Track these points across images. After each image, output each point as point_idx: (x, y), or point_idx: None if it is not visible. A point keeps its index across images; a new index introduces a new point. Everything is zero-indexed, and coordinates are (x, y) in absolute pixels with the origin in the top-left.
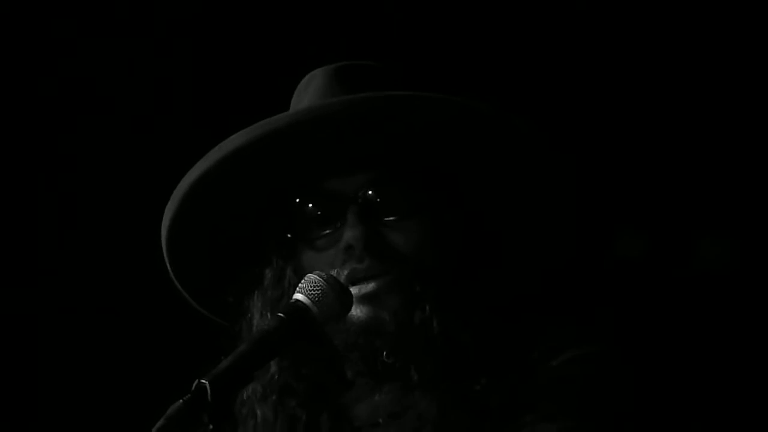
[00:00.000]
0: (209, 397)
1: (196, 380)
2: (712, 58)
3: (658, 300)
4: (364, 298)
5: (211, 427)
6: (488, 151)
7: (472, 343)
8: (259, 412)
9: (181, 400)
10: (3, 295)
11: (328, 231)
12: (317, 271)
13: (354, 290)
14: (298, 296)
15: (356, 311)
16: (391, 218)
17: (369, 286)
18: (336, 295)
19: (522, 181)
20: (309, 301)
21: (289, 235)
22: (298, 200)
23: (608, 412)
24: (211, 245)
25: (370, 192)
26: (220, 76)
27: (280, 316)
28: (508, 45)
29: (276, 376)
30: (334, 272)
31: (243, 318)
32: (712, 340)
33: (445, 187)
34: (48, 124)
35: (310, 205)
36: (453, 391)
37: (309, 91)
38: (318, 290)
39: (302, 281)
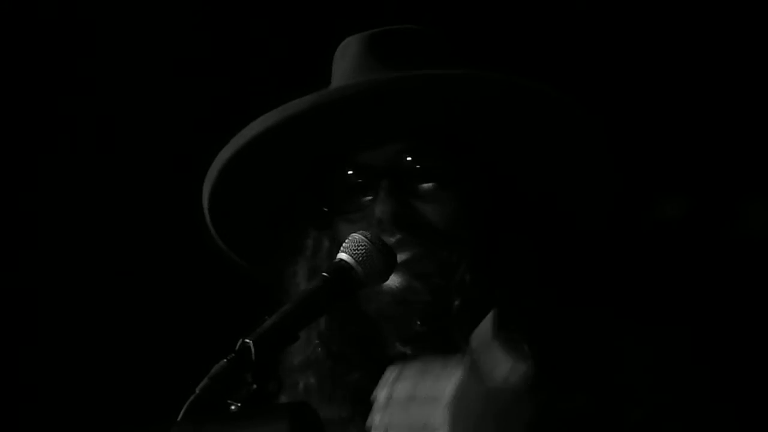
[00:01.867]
0: (253, 357)
1: (240, 339)
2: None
3: (698, 264)
4: (398, 267)
5: (254, 386)
6: (524, 122)
7: (509, 310)
8: (303, 380)
9: (224, 360)
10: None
11: (361, 203)
12: (361, 231)
13: None
14: (342, 255)
15: (390, 280)
16: (422, 189)
17: (402, 256)
18: (380, 254)
19: (561, 151)
20: (353, 260)
21: (324, 208)
22: (332, 173)
23: None
24: (255, 209)
25: (401, 164)
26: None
27: (324, 275)
28: (546, 6)
29: (319, 344)
30: None
31: (290, 284)
32: (754, 305)
33: (476, 157)
34: (48, 91)
35: (344, 177)
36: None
37: (345, 61)
38: (362, 249)
39: (346, 241)
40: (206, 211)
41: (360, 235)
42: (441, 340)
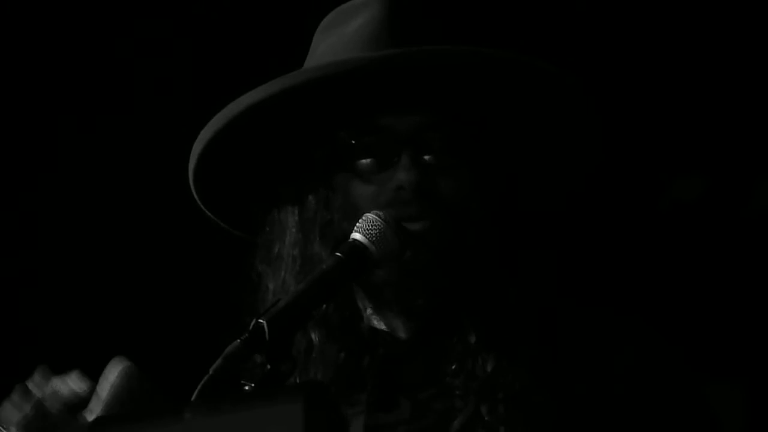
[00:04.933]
0: (267, 337)
1: (254, 320)
2: None
3: (714, 243)
4: (408, 237)
5: (268, 366)
6: (537, 102)
7: (516, 296)
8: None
9: (238, 340)
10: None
11: (379, 167)
12: (375, 211)
13: None
14: (356, 236)
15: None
16: (443, 164)
17: (414, 226)
18: (394, 234)
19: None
20: (367, 240)
21: (337, 166)
22: (350, 133)
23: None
24: (247, 167)
25: (425, 135)
26: None
27: (339, 255)
28: None
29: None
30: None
31: (280, 233)
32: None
33: (494, 137)
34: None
35: (363, 139)
36: (501, 347)
37: (363, 18)
38: (376, 229)
39: (359, 221)
40: (196, 158)
41: (374, 215)
42: (439, 320)
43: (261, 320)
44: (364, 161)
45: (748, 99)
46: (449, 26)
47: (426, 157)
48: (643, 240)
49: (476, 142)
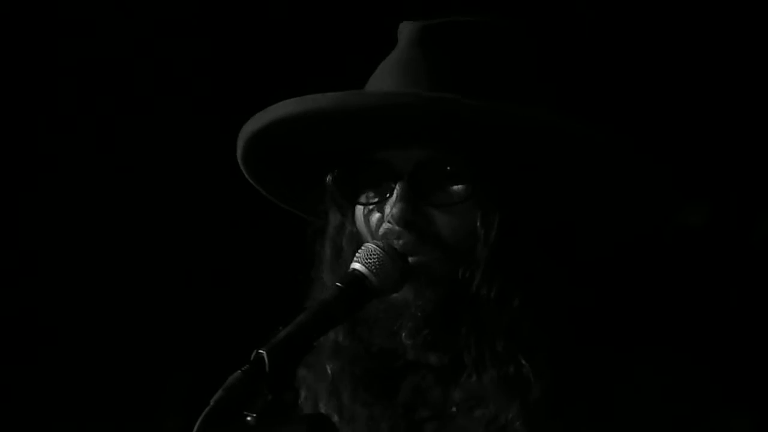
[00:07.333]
0: (267, 368)
1: (255, 351)
2: None
3: (719, 270)
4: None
5: (270, 397)
6: (553, 154)
7: (508, 340)
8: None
9: (239, 371)
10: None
11: (376, 200)
12: (374, 241)
13: None
14: (355, 265)
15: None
16: (440, 201)
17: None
18: (394, 264)
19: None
20: (366, 270)
21: (343, 194)
22: (352, 164)
23: None
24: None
25: (421, 171)
26: None
27: (339, 285)
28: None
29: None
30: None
31: (317, 268)
32: None
33: (497, 178)
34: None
35: (363, 171)
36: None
37: (396, 49)
38: (375, 259)
39: (359, 250)
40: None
41: (373, 245)
42: (422, 358)
43: (261, 351)
44: (364, 194)
45: (756, 127)
46: (467, 62)
47: (420, 193)
48: (649, 265)
49: (478, 183)
